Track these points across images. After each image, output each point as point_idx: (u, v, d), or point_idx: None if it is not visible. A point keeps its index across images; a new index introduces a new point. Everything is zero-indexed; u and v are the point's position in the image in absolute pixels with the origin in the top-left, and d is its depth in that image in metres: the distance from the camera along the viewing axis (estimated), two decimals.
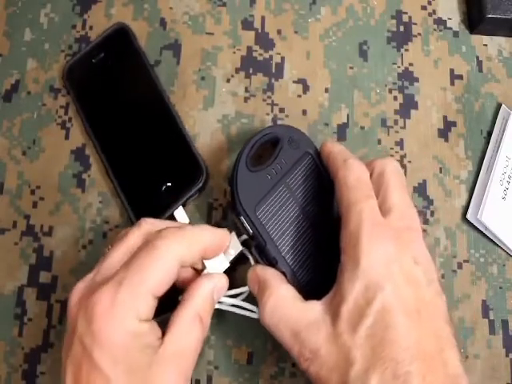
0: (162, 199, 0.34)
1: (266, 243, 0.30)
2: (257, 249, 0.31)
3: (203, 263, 0.31)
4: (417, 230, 0.28)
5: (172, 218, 0.34)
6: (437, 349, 0.25)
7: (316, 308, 0.27)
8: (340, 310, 0.25)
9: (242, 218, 0.31)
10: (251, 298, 0.31)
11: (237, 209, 0.31)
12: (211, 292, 0.28)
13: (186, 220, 0.34)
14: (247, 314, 0.31)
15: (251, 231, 0.31)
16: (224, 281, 0.30)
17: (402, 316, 0.25)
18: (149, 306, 0.26)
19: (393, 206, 0.28)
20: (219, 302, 0.31)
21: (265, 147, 0.33)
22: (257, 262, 0.32)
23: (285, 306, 0.28)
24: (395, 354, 0.24)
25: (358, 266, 0.26)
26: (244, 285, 0.31)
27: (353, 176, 0.29)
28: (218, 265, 0.31)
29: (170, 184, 0.35)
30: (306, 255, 0.31)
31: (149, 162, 0.35)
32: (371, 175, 0.30)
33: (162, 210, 0.34)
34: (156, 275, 0.26)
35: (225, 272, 0.31)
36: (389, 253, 0.26)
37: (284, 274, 0.30)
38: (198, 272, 0.31)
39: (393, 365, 0.24)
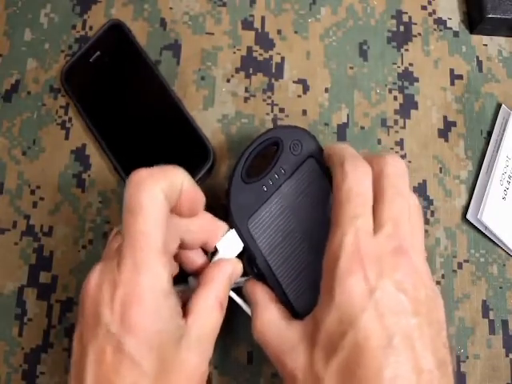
0: None
1: (256, 258, 0.30)
2: (248, 260, 0.31)
3: (215, 247, 0.30)
4: (406, 251, 0.25)
5: None
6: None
7: (296, 332, 0.26)
8: (316, 338, 0.25)
9: (233, 230, 0.30)
10: None
11: (229, 221, 0.30)
12: (229, 277, 0.28)
13: None
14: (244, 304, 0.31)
15: (242, 244, 0.30)
16: (240, 267, 0.29)
17: (375, 352, 0.23)
18: (165, 264, 0.25)
19: (384, 222, 0.26)
20: None
21: (267, 150, 0.32)
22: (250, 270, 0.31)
23: (269, 328, 0.28)
24: None
25: (333, 299, 0.24)
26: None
27: (346, 186, 0.26)
28: (232, 247, 0.30)
29: None
30: (298, 270, 0.30)
31: (156, 152, 0.36)
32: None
33: None
34: (151, 219, 0.24)
35: (238, 255, 0.31)
36: (367, 283, 0.24)
37: (272, 289, 0.30)
38: (208, 258, 0.31)
39: None
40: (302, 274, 0.29)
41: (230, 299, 0.30)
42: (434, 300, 0.26)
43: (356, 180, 0.26)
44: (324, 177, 0.30)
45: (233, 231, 0.30)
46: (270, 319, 0.28)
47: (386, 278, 0.24)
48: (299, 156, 0.31)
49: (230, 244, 0.30)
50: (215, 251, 0.30)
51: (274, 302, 0.29)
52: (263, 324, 0.28)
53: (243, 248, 0.30)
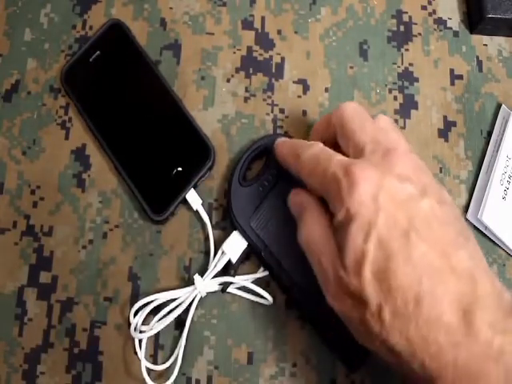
0: (173, 184, 0.35)
1: (261, 251, 0.33)
2: (255, 255, 0.34)
3: (222, 249, 0.33)
4: (395, 149, 0.27)
5: (184, 201, 0.35)
6: (442, 256, 0.24)
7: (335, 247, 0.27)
8: (345, 262, 0.25)
9: (237, 231, 0.33)
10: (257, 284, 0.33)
11: (232, 224, 0.33)
12: None
13: (199, 201, 0.35)
14: (253, 298, 0.33)
15: (247, 242, 0.33)
16: None
17: (399, 241, 0.24)
18: None
19: (363, 144, 0.28)
20: (229, 284, 0.33)
21: (259, 158, 0.35)
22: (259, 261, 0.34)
23: (314, 237, 0.28)
24: (400, 280, 0.24)
25: (348, 213, 0.25)
26: (254, 272, 0.34)
27: (307, 155, 0.29)
28: (237, 246, 0.33)
29: (180, 168, 0.35)
30: (300, 257, 0.32)
31: (156, 151, 0.36)
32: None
33: (173, 195, 0.34)
34: None
35: (244, 252, 0.33)
36: (371, 187, 0.25)
37: (280, 278, 0.32)
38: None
39: (401, 292, 0.24)
40: (304, 258, 0.32)
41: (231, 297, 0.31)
42: (438, 184, 0.27)
43: (314, 148, 0.29)
44: None
45: (236, 232, 0.33)
46: (316, 228, 0.29)
47: (385, 174, 0.26)
48: None
49: (234, 244, 0.33)
50: (222, 253, 0.33)
51: (321, 212, 0.29)
52: (309, 232, 0.29)
53: (247, 245, 0.33)
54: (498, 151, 0.37)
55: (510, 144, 0.37)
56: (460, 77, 0.39)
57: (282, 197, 0.33)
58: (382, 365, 0.26)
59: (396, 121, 0.38)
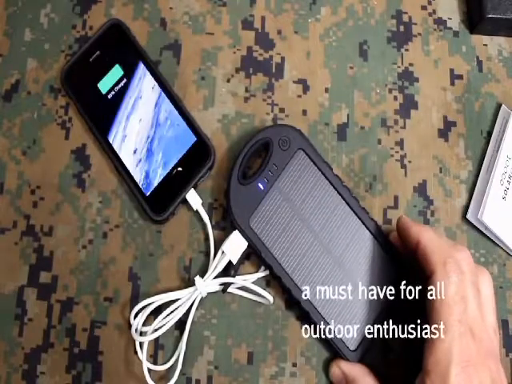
0: (173, 184, 0.35)
1: (260, 252, 0.32)
2: (255, 255, 0.33)
3: (222, 250, 0.33)
4: (493, 352, 0.28)
5: (184, 201, 0.35)
6: None
7: None
8: None
9: (236, 231, 0.32)
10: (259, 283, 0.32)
11: (231, 223, 0.33)
12: None
13: (199, 201, 0.35)
14: (254, 298, 0.33)
15: (246, 243, 0.32)
16: None
17: None
18: None
19: (472, 323, 0.28)
20: (229, 284, 0.33)
21: (260, 152, 0.34)
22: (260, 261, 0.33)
23: None
24: None
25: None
26: (254, 271, 0.34)
27: (452, 291, 0.28)
28: (237, 247, 0.33)
29: (180, 168, 0.35)
30: (301, 254, 0.32)
31: (156, 151, 0.36)
32: None
33: (173, 195, 0.34)
34: None
35: (244, 252, 0.33)
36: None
37: (280, 278, 0.32)
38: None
39: None
40: (305, 258, 0.32)
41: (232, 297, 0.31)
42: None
43: (460, 284, 0.28)
44: (313, 165, 0.33)
45: (236, 232, 0.33)
46: None
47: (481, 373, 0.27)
48: (288, 150, 0.33)
49: (234, 245, 0.33)
50: (222, 253, 0.33)
51: (368, 375, 0.31)
52: None
53: (247, 246, 0.32)
54: (498, 151, 0.37)
55: (510, 144, 0.37)
56: (460, 77, 0.39)
57: (283, 193, 0.33)
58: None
59: (396, 121, 0.38)
